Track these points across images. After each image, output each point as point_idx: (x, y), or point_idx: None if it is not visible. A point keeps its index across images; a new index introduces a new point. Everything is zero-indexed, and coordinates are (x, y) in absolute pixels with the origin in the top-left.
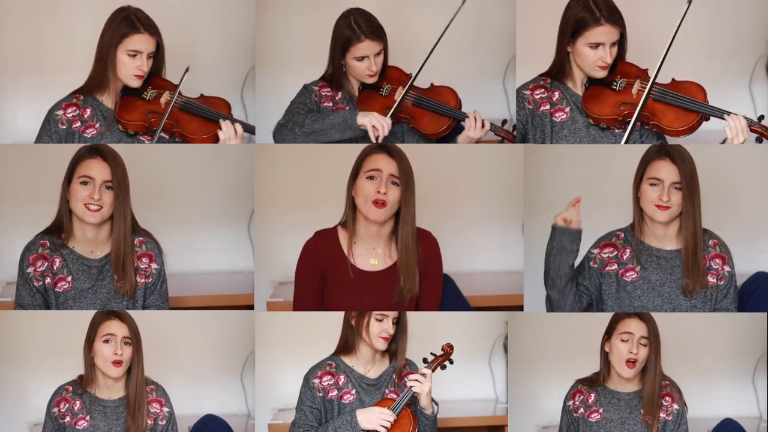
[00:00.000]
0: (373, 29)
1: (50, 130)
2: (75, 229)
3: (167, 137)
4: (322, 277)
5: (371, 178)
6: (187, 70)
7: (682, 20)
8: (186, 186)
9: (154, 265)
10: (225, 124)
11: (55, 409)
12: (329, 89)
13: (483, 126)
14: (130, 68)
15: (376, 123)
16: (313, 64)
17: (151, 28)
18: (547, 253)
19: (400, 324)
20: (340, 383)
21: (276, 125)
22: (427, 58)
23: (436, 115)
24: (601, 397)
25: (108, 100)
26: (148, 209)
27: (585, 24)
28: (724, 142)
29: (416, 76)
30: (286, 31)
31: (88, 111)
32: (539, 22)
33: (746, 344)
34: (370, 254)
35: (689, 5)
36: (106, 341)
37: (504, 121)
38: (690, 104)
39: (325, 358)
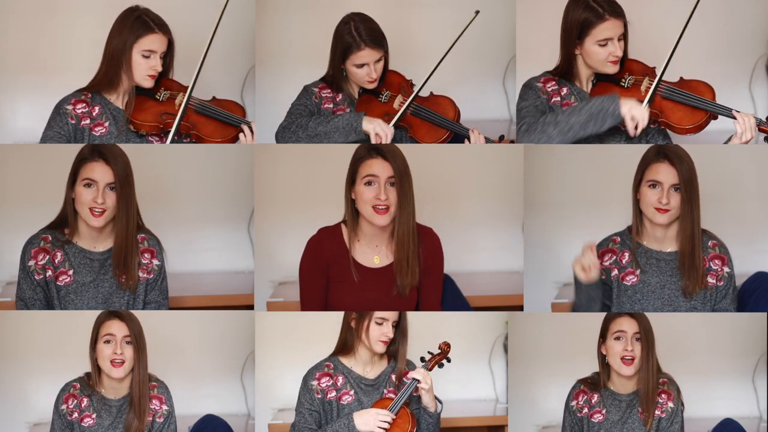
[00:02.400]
0: (374, 37)
1: (60, 122)
2: (80, 226)
3: (177, 138)
4: (326, 273)
5: (369, 183)
6: (202, 63)
7: (692, 14)
8: (186, 186)
9: (155, 261)
10: (246, 129)
11: (63, 406)
12: (329, 90)
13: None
14: (145, 69)
15: (380, 131)
16: (313, 64)
17: (164, 28)
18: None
19: (400, 327)
20: (339, 384)
21: (278, 128)
22: (431, 74)
23: (434, 126)
24: (604, 398)
25: (118, 100)
26: (149, 209)
27: (590, 23)
28: (728, 141)
29: (419, 90)
30: (286, 31)
31: (97, 109)
32: (539, 22)
33: (746, 344)
34: (374, 252)
35: (693, 11)
36: (107, 341)
37: (501, 137)
38: (698, 102)
39: (323, 360)
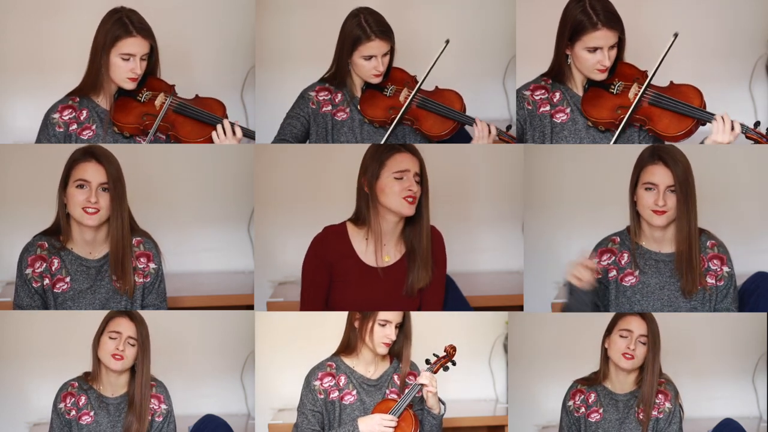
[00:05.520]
0: (383, 29)
1: (48, 134)
2: (73, 232)
3: (163, 138)
4: (330, 272)
5: (399, 177)
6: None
7: (668, 50)
8: (186, 186)
9: (152, 265)
10: (219, 128)
11: (62, 405)
12: (327, 92)
13: (490, 133)
14: (124, 71)
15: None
16: (313, 64)
17: (144, 32)
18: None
19: (403, 329)
20: (341, 384)
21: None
22: (432, 66)
23: (440, 118)
24: (600, 398)
25: (103, 101)
26: (148, 209)
27: (583, 28)
28: (703, 142)
29: (422, 81)
30: (286, 31)
31: (84, 113)
32: (539, 22)
33: (746, 344)
34: (381, 250)
35: (675, 39)
36: (112, 338)
37: (508, 127)
38: (685, 109)
39: (325, 359)
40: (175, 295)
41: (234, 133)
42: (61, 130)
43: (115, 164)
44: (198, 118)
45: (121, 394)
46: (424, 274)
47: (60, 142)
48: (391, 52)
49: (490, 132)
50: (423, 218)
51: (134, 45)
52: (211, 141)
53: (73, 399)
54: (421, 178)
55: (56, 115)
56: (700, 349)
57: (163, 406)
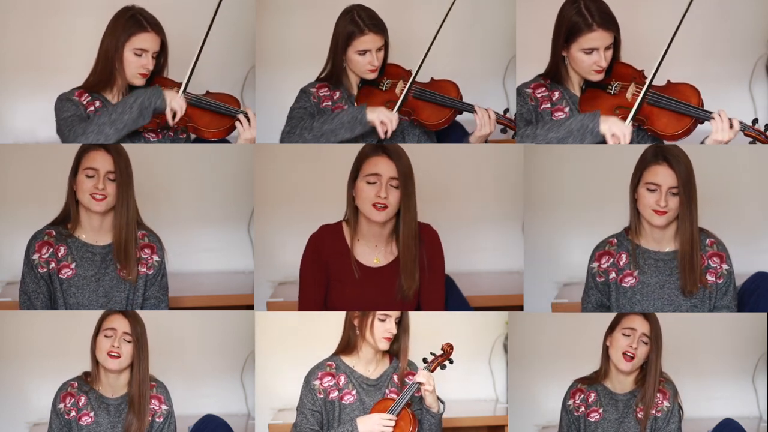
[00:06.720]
0: (376, 23)
1: (73, 105)
2: (82, 218)
3: (171, 135)
4: (327, 271)
5: (371, 182)
6: (197, 58)
7: (681, 21)
8: (186, 186)
9: (155, 257)
10: (242, 117)
11: (61, 405)
12: (327, 89)
13: (490, 117)
14: (135, 67)
15: (384, 119)
16: (312, 64)
17: (157, 27)
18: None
19: (402, 323)
20: (341, 384)
21: (282, 134)
22: (427, 51)
23: (438, 107)
24: (600, 397)
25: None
26: (149, 209)
27: (578, 30)
28: (704, 141)
29: (419, 69)
30: (286, 31)
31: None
32: (539, 22)
33: (746, 344)
34: (373, 252)
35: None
36: (107, 336)
37: (506, 110)
38: (683, 108)
39: (325, 359)
40: (176, 295)
41: (249, 122)
42: (82, 109)
43: (123, 155)
44: (215, 110)
45: (121, 395)
46: (408, 279)
47: (83, 115)
48: (385, 47)
49: (490, 117)
50: (404, 224)
51: (148, 40)
52: (229, 132)
53: (73, 399)
54: (403, 184)
55: (76, 98)
56: (700, 349)
57: (164, 407)
